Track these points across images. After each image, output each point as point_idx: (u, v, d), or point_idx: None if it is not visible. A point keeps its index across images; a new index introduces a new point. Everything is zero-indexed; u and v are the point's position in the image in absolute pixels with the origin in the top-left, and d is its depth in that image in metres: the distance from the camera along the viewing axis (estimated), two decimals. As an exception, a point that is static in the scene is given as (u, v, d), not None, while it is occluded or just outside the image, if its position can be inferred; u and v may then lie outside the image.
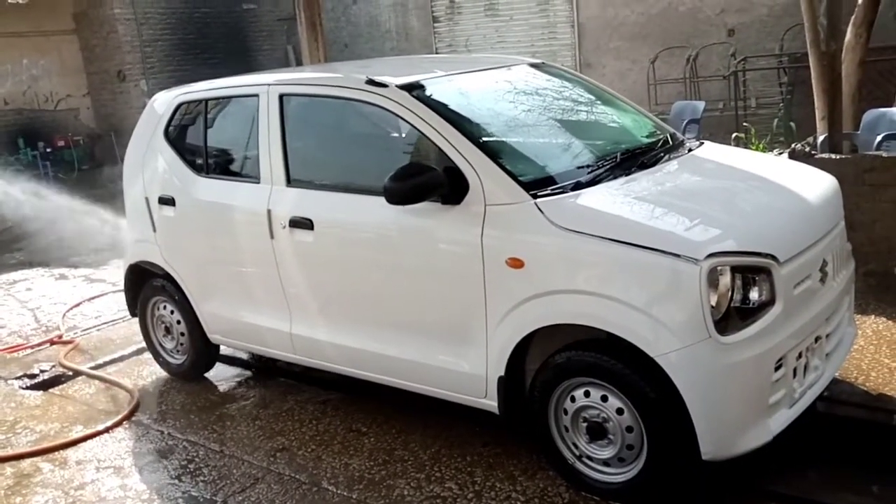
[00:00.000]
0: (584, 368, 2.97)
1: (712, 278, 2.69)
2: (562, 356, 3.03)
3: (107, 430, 4.14)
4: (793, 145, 5.48)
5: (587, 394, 2.99)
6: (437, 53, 13.20)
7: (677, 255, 2.71)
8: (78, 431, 4.14)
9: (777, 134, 8.64)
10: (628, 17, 11.26)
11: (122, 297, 6.66)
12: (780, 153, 5.87)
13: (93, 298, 7.04)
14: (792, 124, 8.52)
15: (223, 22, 13.46)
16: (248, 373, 4.82)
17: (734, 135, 7.95)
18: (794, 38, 9.81)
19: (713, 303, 2.70)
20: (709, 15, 10.68)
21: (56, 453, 3.93)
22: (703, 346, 2.69)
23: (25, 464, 3.87)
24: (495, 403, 3.23)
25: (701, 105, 9.20)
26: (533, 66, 4.24)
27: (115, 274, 7.84)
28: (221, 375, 4.79)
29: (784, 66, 9.86)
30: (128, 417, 4.25)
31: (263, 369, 4.74)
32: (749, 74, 10.11)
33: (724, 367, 2.70)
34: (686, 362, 2.70)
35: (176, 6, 12.92)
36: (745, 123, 8.60)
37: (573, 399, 3.04)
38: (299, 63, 14.08)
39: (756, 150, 7.38)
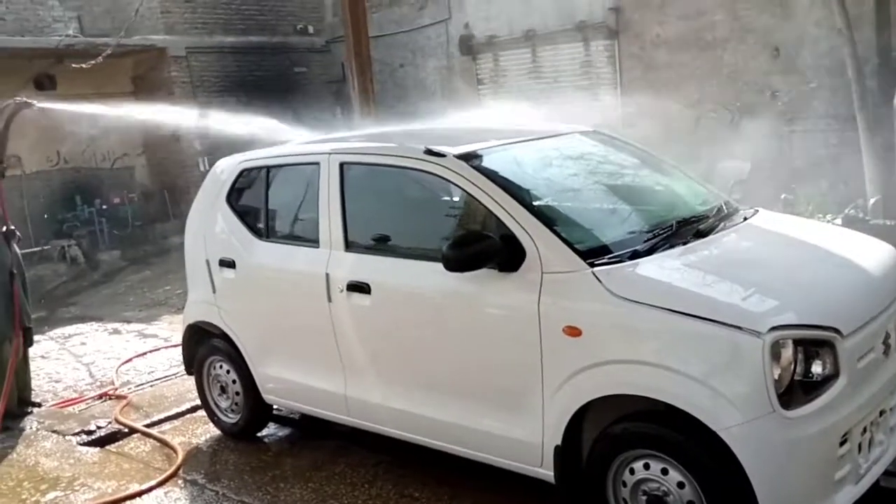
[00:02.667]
0: (644, 440, 2.95)
1: (775, 352, 2.67)
2: (620, 427, 3.01)
3: (150, 489, 4.17)
4: (846, 210, 5.44)
5: (647, 466, 2.96)
6: (480, 115, 13.42)
7: (739, 328, 2.70)
8: (133, 490, 4.20)
9: (825, 196, 8.56)
10: (672, 79, 11.35)
11: (173, 352, 6.83)
12: (833, 218, 5.84)
13: (145, 354, 7.19)
14: (841, 186, 8.45)
15: (275, 85, 13.90)
16: (299, 433, 4.85)
17: (783, 196, 7.90)
18: (840, 101, 9.78)
19: (776, 376, 2.68)
20: (753, 77, 10.72)
21: (113, 512, 3.99)
22: (767, 420, 2.66)
23: (84, 522, 3.93)
24: (551, 473, 3.21)
25: (747, 166, 9.23)
26: (585, 133, 4.31)
27: (167, 329, 8.03)
28: (273, 435, 4.84)
29: (831, 128, 9.82)
30: (170, 478, 4.28)
31: (313, 430, 4.77)
32: (795, 136, 10.08)
33: (789, 442, 2.67)
34: (750, 437, 2.67)
35: (230, 70, 13.41)
36: (792, 185, 8.55)
37: (632, 471, 3.00)
38: (347, 125, 14.45)
39: (805, 212, 7.34)
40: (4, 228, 5.35)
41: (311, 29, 14.60)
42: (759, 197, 8.03)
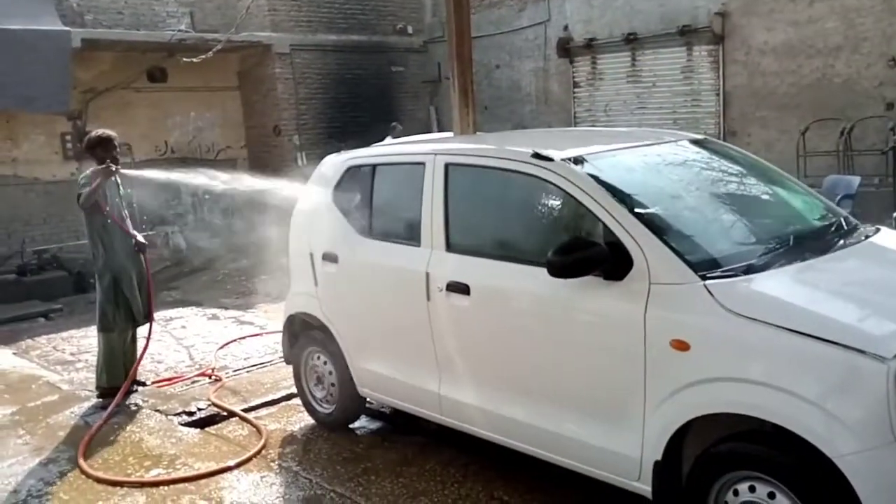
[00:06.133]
0: (751, 461, 2.85)
1: (899, 379, 2.54)
2: (725, 446, 2.93)
3: (235, 466, 4.41)
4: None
5: (752, 489, 2.86)
6: (575, 118, 13.28)
7: (862, 352, 2.58)
8: (233, 472, 4.36)
9: (943, 215, 8.07)
10: (778, 87, 10.94)
11: (268, 339, 7.03)
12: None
13: (242, 339, 7.39)
14: (961, 206, 7.96)
15: (372, 83, 14.12)
16: (389, 427, 4.92)
17: (895, 215, 7.49)
18: (963, 114, 9.23)
19: (899, 405, 2.55)
20: (866, 87, 10.20)
21: (213, 494, 4.14)
22: (888, 449, 2.53)
23: (185, 500, 4.09)
24: (649, 488, 3.14)
25: (856, 180, 8.78)
26: (695, 142, 4.20)
27: (263, 318, 8.26)
28: (364, 428, 4.92)
29: (951, 143, 9.27)
30: (248, 461, 4.48)
31: (403, 425, 4.82)
32: (910, 150, 9.56)
33: (912, 476, 2.53)
34: (868, 466, 2.54)
35: (331, 68, 13.68)
36: (907, 203, 8.10)
37: (736, 493, 2.91)
38: (440, 123, 14.55)
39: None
40: (135, 244, 5.72)
41: (410, 29, 14.76)
42: (868, 213, 7.64)
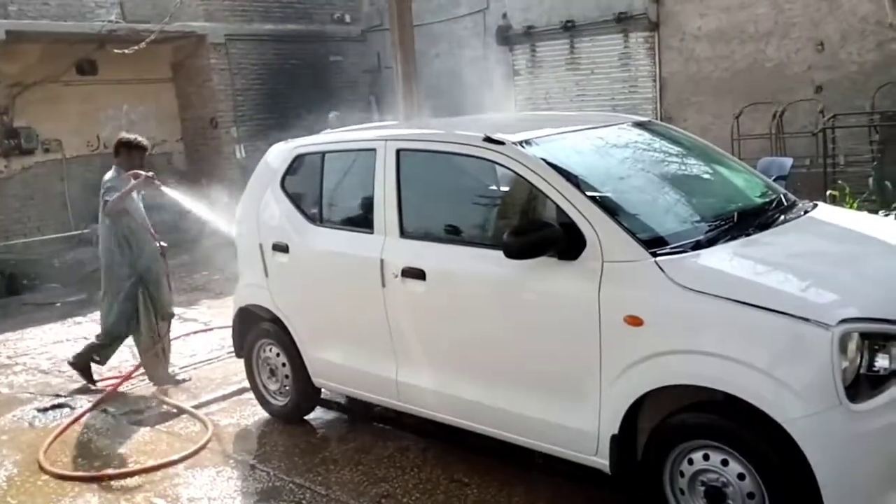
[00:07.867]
0: (704, 431, 2.94)
1: (843, 344, 2.66)
2: (679, 417, 3.02)
3: (180, 460, 4.38)
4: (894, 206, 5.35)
5: (706, 457, 2.95)
6: (515, 106, 13.38)
7: (807, 320, 2.69)
8: (185, 467, 4.29)
9: (871, 192, 8.43)
10: (712, 73, 11.23)
11: (213, 336, 6.90)
12: (886, 214, 5.75)
13: (186, 336, 7.24)
14: (887, 183, 8.32)
15: (311, 73, 13.93)
16: (344, 417, 4.90)
17: (829, 192, 7.80)
18: (886, 96, 9.62)
19: (843, 369, 2.66)
20: (796, 71, 10.56)
21: (168, 491, 4.07)
22: (833, 412, 2.65)
23: (139, 498, 4.01)
24: (606, 462, 3.22)
25: (788, 161, 9.10)
26: (638, 124, 4.30)
27: (207, 314, 8.10)
28: (319, 419, 4.89)
29: (875, 124, 9.66)
30: (198, 452, 4.46)
31: (359, 413, 4.82)
32: (838, 132, 9.94)
33: (856, 436, 2.65)
34: (816, 428, 2.65)
35: (268, 58, 13.44)
36: (839, 182, 8.43)
37: (691, 462, 3.00)
38: (381, 112, 14.46)
39: (850, 208, 7.23)
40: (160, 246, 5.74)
41: (347, 18, 14.61)
42: (800, 194, 7.92)
